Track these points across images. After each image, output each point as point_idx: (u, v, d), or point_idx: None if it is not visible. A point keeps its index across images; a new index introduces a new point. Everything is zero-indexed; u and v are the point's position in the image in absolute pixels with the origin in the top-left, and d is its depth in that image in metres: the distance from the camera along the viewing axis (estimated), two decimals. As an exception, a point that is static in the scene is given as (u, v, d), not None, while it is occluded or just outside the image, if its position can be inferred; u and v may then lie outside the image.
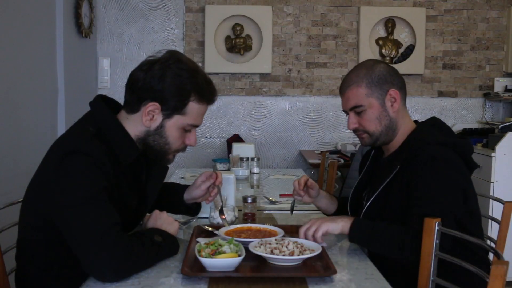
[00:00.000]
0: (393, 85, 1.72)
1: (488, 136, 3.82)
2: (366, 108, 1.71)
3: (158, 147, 1.55)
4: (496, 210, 3.12)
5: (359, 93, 1.71)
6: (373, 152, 1.90)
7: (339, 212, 1.92)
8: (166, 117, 1.52)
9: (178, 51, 1.58)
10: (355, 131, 1.78)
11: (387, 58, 4.57)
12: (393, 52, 4.58)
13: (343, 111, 1.79)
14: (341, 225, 1.60)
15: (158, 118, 1.51)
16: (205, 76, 1.57)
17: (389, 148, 1.79)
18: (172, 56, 1.52)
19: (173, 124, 1.53)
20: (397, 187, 1.64)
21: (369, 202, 1.72)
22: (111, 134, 1.50)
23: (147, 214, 1.64)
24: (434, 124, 1.76)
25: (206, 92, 1.54)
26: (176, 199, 1.85)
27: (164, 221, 1.56)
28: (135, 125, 1.53)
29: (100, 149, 1.42)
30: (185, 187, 1.88)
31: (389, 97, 1.71)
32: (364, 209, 1.75)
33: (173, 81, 1.48)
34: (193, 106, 1.52)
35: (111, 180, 1.43)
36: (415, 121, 1.81)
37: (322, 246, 1.50)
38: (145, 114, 1.50)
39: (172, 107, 1.50)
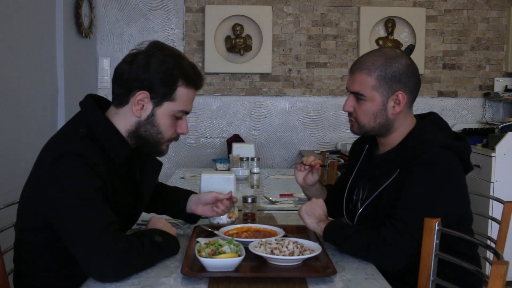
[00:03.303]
0: (404, 87, 1.64)
1: (488, 136, 3.82)
2: (367, 100, 1.65)
3: (151, 137, 1.55)
4: (496, 210, 3.13)
5: (366, 81, 1.64)
6: (367, 146, 1.83)
7: (332, 204, 1.84)
8: (156, 105, 1.52)
9: (160, 41, 1.58)
10: (348, 114, 1.73)
11: (387, 58, 4.56)
12: (393, 52, 4.57)
13: (346, 88, 1.73)
14: (316, 224, 1.61)
15: (148, 106, 1.51)
16: (190, 62, 1.57)
17: (386, 144, 1.74)
18: (155, 45, 1.53)
19: (164, 112, 1.52)
20: (393, 189, 1.60)
21: (365, 204, 1.69)
22: (102, 133, 1.50)
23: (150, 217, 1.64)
24: (433, 122, 1.71)
25: (193, 76, 1.55)
26: (177, 206, 1.83)
27: (164, 225, 1.57)
28: (125, 118, 1.53)
29: (92, 150, 1.42)
30: (188, 193, 1.86)
31: (394, 98, 1.65)
32: (359, 211, 1.71)
33: (159, 68, 1.49)
34: (181, 91, 1.52)
35: (105, 180, 1.43)
36: (414, 116, 1.75)
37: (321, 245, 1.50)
38: (134, 104, 1.50)
39: (161, 94, 1.50)
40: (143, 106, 1.51)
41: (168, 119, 1.54)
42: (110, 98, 1.64)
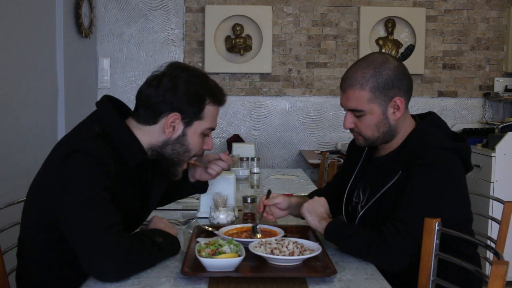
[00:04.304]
0: (400, 91, 1.62)
1: (488, 136, 3.82)
2: (366, 114, 1.63)
3: (176, 156, 1.58)
4: (496, 210, 3.13)
5: (361, 96, 1.60)
6: (366, 148, 1.81)
7: (331, 204, 1.80)
8: (187, 125, 1.55)
9: (179, 61, 1.61)
10: (350, 130, 1.71)
11: (387, 58, 4.56)
12: (393, 52, 4.57)
13: (341, 105, 1.70)
14: (318, 222, 1.61)
15: (180, 127, 1.55)
16: (213, 79, 1.62)
17: (386, 147, 1.73)
18: (177, 67, 1.56)
19: (194, 131, 1.56)
20: (395, 192, 1.59)
21: (367, 206, 1.68)
22: (116, 135, 1.50)
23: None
24: (433, 123, 1.71)
25: (218, 93, 1.60)
26: (182, 183, 1.84)
27: (166, 225, 1.58)
28: (151, 135, 1.55)
29: (104, 149, 1.43)
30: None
31: (393, 104, 1.62)
32: (360, 214, 1.70)
33: (187, 89, 1.52)
34: (209, 109, 1.57)
35: (114, 180, 1.43)
36: (413, 116, 1.74)
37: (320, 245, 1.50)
38: (167, 127, 1.53)
39: (191, 114, 1.54)
40: (174, 127, 1.54)
41: (198, 138, 1.58)
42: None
